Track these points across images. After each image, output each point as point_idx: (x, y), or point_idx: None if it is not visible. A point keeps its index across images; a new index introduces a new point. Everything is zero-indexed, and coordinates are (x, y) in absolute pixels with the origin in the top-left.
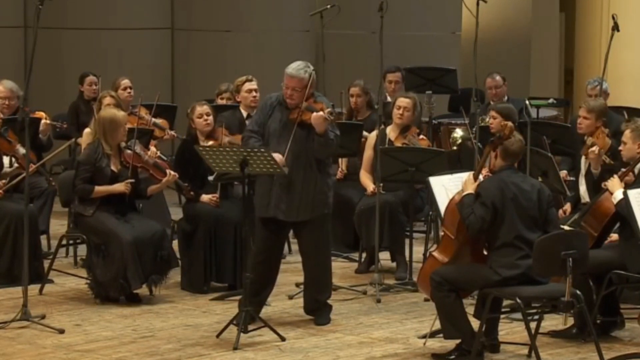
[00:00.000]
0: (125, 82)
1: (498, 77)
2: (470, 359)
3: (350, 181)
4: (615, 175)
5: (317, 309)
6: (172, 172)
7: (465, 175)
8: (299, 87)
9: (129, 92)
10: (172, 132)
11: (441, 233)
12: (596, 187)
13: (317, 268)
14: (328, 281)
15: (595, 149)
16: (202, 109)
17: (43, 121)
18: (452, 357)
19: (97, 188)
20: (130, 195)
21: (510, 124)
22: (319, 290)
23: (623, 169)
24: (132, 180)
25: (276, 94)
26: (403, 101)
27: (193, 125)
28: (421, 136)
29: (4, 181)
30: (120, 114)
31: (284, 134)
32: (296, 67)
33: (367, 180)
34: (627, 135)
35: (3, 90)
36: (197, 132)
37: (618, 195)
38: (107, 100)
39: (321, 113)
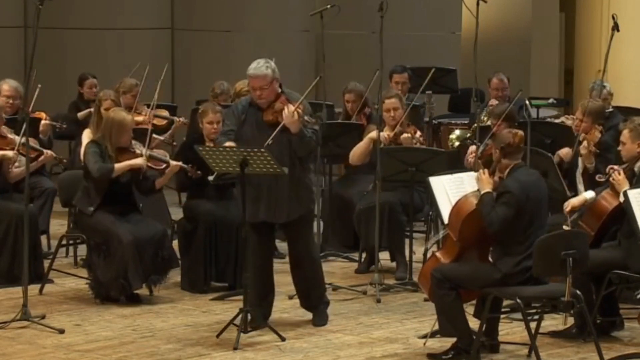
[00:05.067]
0: (137, 89)
1: (504, 78)
2: (469, 358)
3: (350, 180)
4: (622, 171)
5: (314, 307)
6: (175, 162)
7: (465, 175)
8: (265, 85)
9: (137, 100)
10: (181, 119)
11: (442, 231)
12: (592, 181)
13: (309, 264)
14: (319, 278)
15: (585, 143)
16: (215, 116)
17: (43, 122)
18: (449, 356)
19: (117, 165)
20: (138, 189)
21: (520, 132)
22: (313, 286)
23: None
24: (144, 162)
25: (244, 98)
26: (390, 103)
27: (201, 126)
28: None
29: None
30: (129, 117)
31: (260, 136)
32: (257, 66)
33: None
34: (625, 135)
35: (8, 89)
36: (204, 135)
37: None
38: (108, 103)
39: (290, 110)
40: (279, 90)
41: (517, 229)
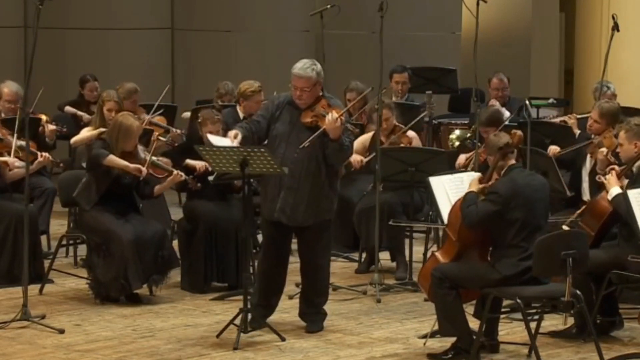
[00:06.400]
0: (137, 95)
1: (504, 78)
2: (469, 358)
3: (350, 180)
4: (614, 171)
5: (312, 314)
6: (177, 171)
7: (465, 175)
8: (307, 87)
9: (137, 105)
10: (177, 130)
11: (441, 233)
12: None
13: (314, 271)
14: (325, 285)
15: (603, 150)
16: (214, 127)
17: (50, 126)
18: (449, 356)
19: (112, 157)
20: (137, 192)
21: (519, 132)
22: (317, 293)
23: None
24: (143, 172)
25: (284, 94)
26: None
27: (201, 134)
28: (410, 133)
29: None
30: (136, 124)
31: (293, 136)
32: (302, 67)
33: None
34: (622, 136)
35: (8, 92)
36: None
37: (614, 191)
38: (111, 104)
39: (335, 117)
40: (320, 93)
41: (509, 229)
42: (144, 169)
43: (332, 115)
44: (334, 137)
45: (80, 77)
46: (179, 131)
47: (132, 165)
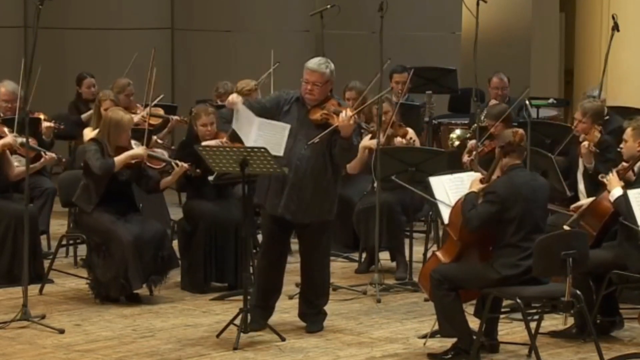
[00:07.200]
0: (130, 88)
1: (505, 78)
2: (469, 358)
3: (350, 180)
4: (614, 171)
5: (312, 315)
6: (181, 163)
7: (465, 175)
8: (320, 82)
9: (131, 99)
10: (176, 117)
11: (442, 232)
12: (592, 181)
13: (314, 271)
14: (325, 286)
15: (585, 143)
16: (208, 118)
17: (46, 124)
18: (449, 356)
19: (117, 158)
20: (140, 186)
21: (521, 131)
22: (317, 294)
23: (624, 164)
24: (144, 152)
25: (294, 91)
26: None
27: (195, 129)
28: (409, 132)
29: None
30: (127, 117)
31: (300, 133)
32: (317, 62)
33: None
34: (628, 133)
35: (5, 92)
36: (199, 136)
37: (616, 192)
38: (107, 103)
39: (349, 114)
40: (329, 93)
41: (507, 228)
42: (144, 151)
43: (346, 113)
44: (345, 135)
45: (77, 76)
46: (178, 118)
47: (133, 152)
